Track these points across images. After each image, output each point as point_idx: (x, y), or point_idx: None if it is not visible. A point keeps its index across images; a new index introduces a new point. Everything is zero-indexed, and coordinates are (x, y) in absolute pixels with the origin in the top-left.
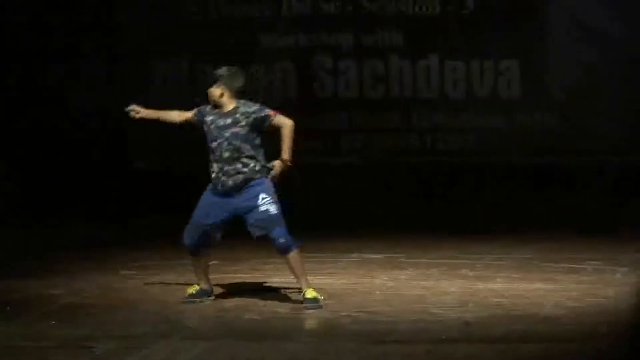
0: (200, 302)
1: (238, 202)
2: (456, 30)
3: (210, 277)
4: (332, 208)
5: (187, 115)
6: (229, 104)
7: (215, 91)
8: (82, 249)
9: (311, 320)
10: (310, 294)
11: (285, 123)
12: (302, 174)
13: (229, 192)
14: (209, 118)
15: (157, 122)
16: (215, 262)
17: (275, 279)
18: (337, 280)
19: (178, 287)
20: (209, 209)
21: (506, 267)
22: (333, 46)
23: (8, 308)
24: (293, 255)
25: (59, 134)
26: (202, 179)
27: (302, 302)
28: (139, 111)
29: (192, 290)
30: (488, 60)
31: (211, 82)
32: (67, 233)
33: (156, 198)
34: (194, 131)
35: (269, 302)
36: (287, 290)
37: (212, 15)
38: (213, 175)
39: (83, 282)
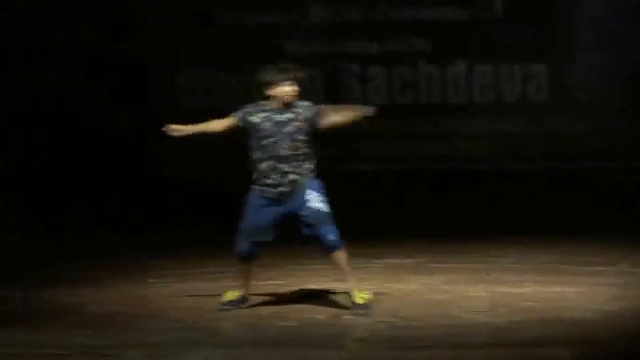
0: (236, 308)
1: (288, 203)
2: (484, 35)
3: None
4: (358, 214)
5: (229, 121)
6: (293, 103)
7: (291, 89)
8: (106, 257)
9: (348, 326)
10: (360, 299)
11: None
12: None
13: (279, 197)
14: (259, 115)
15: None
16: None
17: (311, 285)
18: (366, 286)
19: (204, 295)
20: (258, 214)
21: (533, 270)
22: (360, 53)
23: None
24: (341, 253)
25: (84, 141)
26: (228, 186)
27: (346, 307)
28: (176, 130)
29: (232, 296)
30: (517, 64)
31: (280, 80)
32: (91, 242)
33: (182, 206)
34: (234, 137)
35: (304, 308)
36: (322, 296)
37: (237, 21)
38: (262, 177)
39: (107, 290)
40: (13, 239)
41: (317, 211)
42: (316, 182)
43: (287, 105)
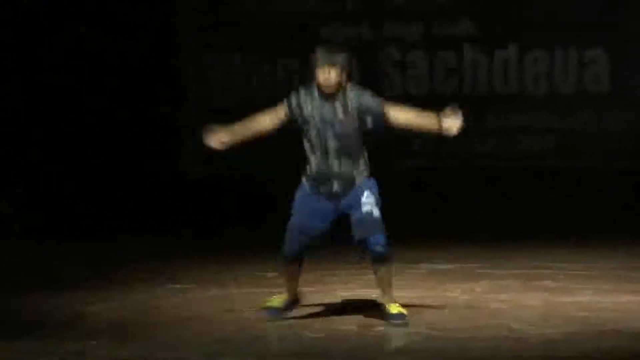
0: (282, 315)
1: (340, 201)
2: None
3: (270, 290)
4: (398, 215)
5: (278, 115)
6: (340, 91)
7: (327, 76)
8: (126, 262)
9: (380, 338)
10: (395, 308)
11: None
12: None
13: (330, 195)
14: (307, 104)
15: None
16: (273, 274)
17: (341, 293)
18: (404, 294)
19: (232, 303)
20: (309, 211)
21: (592, 277)
22: (400, 38)
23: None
24: (387, 267)
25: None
26: (255, 186)
27: (381, 317)
28: (222, 138)
29: (277, 302)
30: (572, 50)
31: (321, 63)
32: (109, 246)
33: (208, 207)
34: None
35: (333, 318)
36: (353, 306)
37: (270, 7)
38: (313, 171)
39: (127, 297)
40: (19, 241)
41: (370, 216)
42: (371, 182)
43: (335, 93)
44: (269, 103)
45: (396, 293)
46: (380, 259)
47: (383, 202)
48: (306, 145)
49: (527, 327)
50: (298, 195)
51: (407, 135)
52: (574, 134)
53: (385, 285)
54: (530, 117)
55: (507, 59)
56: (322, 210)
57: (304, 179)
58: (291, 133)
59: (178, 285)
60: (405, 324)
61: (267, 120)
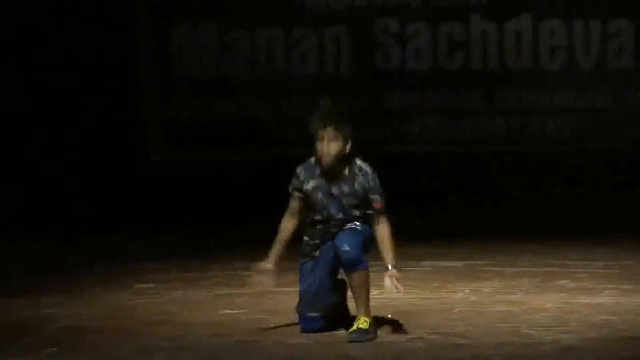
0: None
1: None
2: None
3: (245, 291)
4: (397, 206)
5: (294, 209)
6: (344, 163)
7: (334, 147)
8: (85, 261)
9: (374, 344)
10: (358, 322)
11: (386, 223)
12: None
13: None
14: (310, 183)
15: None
16: (249, 273)
17: None
18: (406, 294)
19: (204, 306)
20: (309, 279)
21: (615, 277)
22: (399, 6)
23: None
24: (359, 275)
25: (59, 127)
26: (228, 176)
27: (378, 323)
28: (268, 271)
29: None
30: (593, 20)
31: (318, 134)
32: (67, 244)
33: (176, 197)
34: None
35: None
36: (342, 307)
37: None
38: (310, 237)
39: (85, 300)
40: None
41: (351, 227)
42: (363, 227)
43: (339, 171)
44: (247, 81)
45: (396, 294)
46: (347, 263)
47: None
48: (308, 219)
49: (541, 332)
50: (300, 268)
51: (407, 116)
52: (595, 115)
53: (357, 298)
54: (545, 96)
55: (520, 31)
56: (319, 271)
57: (302, 250)
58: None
59: (140, 286)
60: (366, 340)
61: (292, 221)
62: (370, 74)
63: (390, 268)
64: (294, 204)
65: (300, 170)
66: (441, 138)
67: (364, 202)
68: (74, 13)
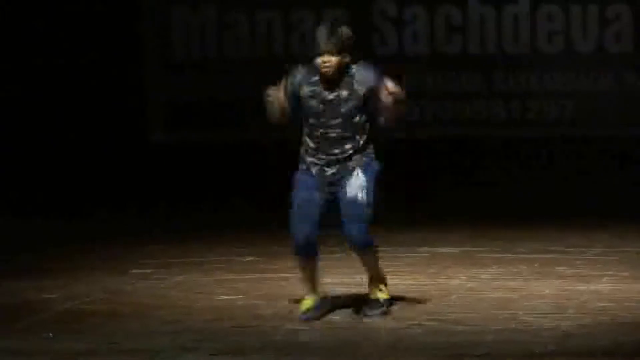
0: (315, 319)
1: (334, 185)
2: None
3: (245, 276)
4: (395, 192)
5: (283, 86)
6: (342, 71)
7: (332, 61)
8: (84, 243)
9: (372, 330)
10: (374, 294)
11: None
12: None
13: (325, 179)
14: (306, 89)
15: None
16: (249, 258)
17: (326, 279)
18: (403, 280)
19: (203, 291)
20: (307, 194)
21: (614, 263)
22: None
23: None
24: (369, 255)
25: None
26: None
27: (361, 307)
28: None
29: (307, 304)
30: (591, 4)
31: (319, 50)
32: (66, 224)
33: (177, 178)
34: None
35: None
36: (341, 294)
37: None
38: (309, 153)
39: (85, 283)
40: None
41: (351, 198)
42: (369, 165)
43: (336, 79)
44: (248, 65)
45: (393, 280)
46: (354, 247)
47: (380, 180)
48: (304, 128)
49: (539, 319)
50: (296, 177)
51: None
52: (593, 99)
53: (368, 269)
54: (543, 80)
55: (518, 15)
56: (316, 196)
57: (301, 161)
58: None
59: (138, 270)
60: (383, 314)
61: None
62: (368, 57)
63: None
64: (283, 83)
65: (296, 72)
66: (439, 122)
67: (368, 100)
68: None
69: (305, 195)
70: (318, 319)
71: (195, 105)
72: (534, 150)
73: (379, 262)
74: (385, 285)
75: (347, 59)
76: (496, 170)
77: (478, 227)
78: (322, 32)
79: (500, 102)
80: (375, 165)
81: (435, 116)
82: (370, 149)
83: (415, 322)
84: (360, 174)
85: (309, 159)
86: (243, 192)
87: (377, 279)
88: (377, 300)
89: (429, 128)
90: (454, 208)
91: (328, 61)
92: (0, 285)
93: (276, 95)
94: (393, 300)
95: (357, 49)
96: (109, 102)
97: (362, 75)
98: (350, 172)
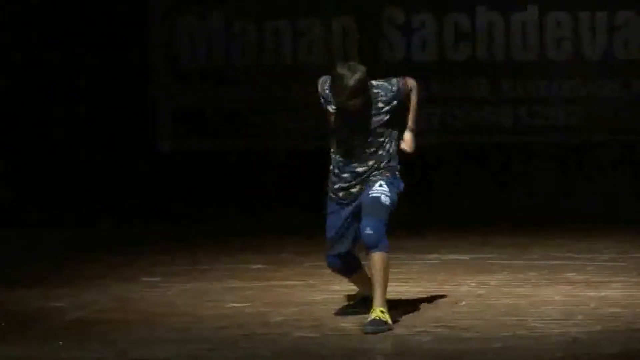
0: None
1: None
2: None
3: (253, 283)
4: (403, 199)
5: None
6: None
7: (357, 102)
8: (93, 251)
9: (380, 338)
10: (374, 313)
11: (415, 91)
12: None
13: (348, 197)
14: (333, 105)
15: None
16: (257, 266)
17: (335, 287)
18: (411, 287)
19: (211, 298)
20: (333, 219)
21: (623, 269)
22: None
23: (3, 324)
24: (380, 255)
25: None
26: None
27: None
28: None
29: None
30: (600, 12)
31: (339, 100)
32: (75, 233)
33: (185, 186)
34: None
35: (326, 315)
36: (350, 301)
37: None
38: (334, 172)
39: (93, 292)
40: None
41: (374, 199)
42: (392, 180)
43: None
44: (255, 73)
45: (401, 287)
46: (368, 245)
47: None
48: (332, 142)
49: (548, 325)
50: (327, 203)
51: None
52: (601, 106)
53: (375, 284)
54: (551, 87)
55: (526, 22)
56: (341, 217)
57: (329, 185)
58: None
59: (152, 279)
60: (382, 331)
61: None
62: (376, 65)
63: (407, 131)
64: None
65: (324, 88)
66: (447, 129)
67: (393, 109)
68: (85, 4)
69: (335, 223)
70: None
71: (203, 113)
72: (542, 156)
73: (387, 282)
74: (387, 311)
75: (365, 94)
76: (504, 177)
77: (487, 234)
78: (342, 79)
79: (508, 108)
80: (399, 183)
81: (443, 122)
82: (394, 166)
83: (424, 329)
84: (384, 185)
85: (335, 186)
86: (251, 200)
87: (380, 299)
88: (381, 320)
89: (436, 134)
90: (463, 215)
91: (354, 105)
92: (9, 294)
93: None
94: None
95: (365, 57)
96: (117, 111)
97: (384, 91)
98: (374, 183)
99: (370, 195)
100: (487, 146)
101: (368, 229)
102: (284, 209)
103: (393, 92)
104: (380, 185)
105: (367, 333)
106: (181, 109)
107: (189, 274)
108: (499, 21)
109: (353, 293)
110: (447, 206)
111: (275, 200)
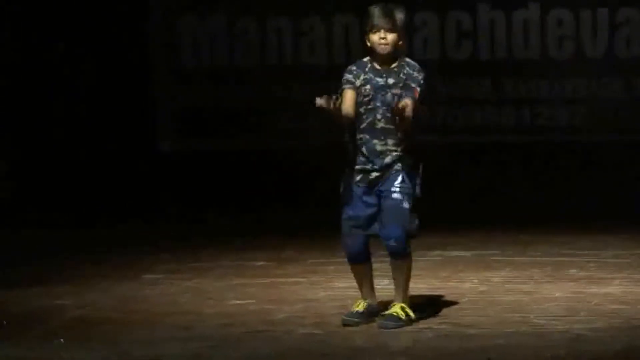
0: (363, 322)
1: (378, 188)
2: None
3: (256, 281)
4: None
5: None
6: (394, 57)
7: (389, 38)
8: (94, 250)
9: (384, 335)
10: (394, 308)
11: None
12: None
13: (370, 182)
14: (361, 77)
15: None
16: (260, 263)
17: (338, 284)
18: (414, 284)
19: (214, 296)
20: (353, 200)
21: (626, 266)
22: None
23: (5, 323)
24: (401, 264)
25: (64, 113)
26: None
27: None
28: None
29: (358, 307)
30: (601, 9)
31: (376, 26)
32: (75, 233)
33: (185, 186)
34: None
35: (330, 313)
36: (351, 298)
37: None
38: (357, 152)
39: (95, 291)
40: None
41: (395, 204)
42: (412, 169)
43: (390, 62)
44: (258, 73)
45: None
46: (392, 254)
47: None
48: (357, 121)
49: (551, 322)
50: (345, 182)
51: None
52: (604, 105)
53: (397, 284)
54: (553, 86)
55: (528, 20)
56: (363, 201)
57: (349, 165)
58: None
59: (154, 276)
60: (393, 327)
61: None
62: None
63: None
64: (349, 94)
65: (352, 67)
66: (449, 128)
67: (407, 91)
68: (85, 4)
69: (353, 205)
70: (357, 325)
71: (204, 113)
72: (544, 155)
73: (409, 283)
74: (408, 308)
75: (401, 42)
76: (506, 176)
77: (489, 232)
78: (376, 10)
79: (509, 107)
80: (416, 172)
81: (445, 122)
82: (413, 153)
83: (427, 326)
84: (403, 179)
85: (356, 167)
86: (253, 199)
87: (402, 297)
88: (398, 316)
89: (438, 134)
90: (465, 213)
91: (384, 38)
92: (11, 293)
93: (345, 96)
94: (412, 320)
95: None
96: (118, 111)
97: (411, 70)
98: (394, 177)
99: (392, 198)
100: (488, 145)
101: (392, 240)
102: (288, 207)
103: (419, 80)
104: (401, 183)
105: (381, 328)
106: (182, 109)
107: (191, 272)
108: (500, 19)
109: (355, 291)
110: (448, 203)
111: (275, 200)
